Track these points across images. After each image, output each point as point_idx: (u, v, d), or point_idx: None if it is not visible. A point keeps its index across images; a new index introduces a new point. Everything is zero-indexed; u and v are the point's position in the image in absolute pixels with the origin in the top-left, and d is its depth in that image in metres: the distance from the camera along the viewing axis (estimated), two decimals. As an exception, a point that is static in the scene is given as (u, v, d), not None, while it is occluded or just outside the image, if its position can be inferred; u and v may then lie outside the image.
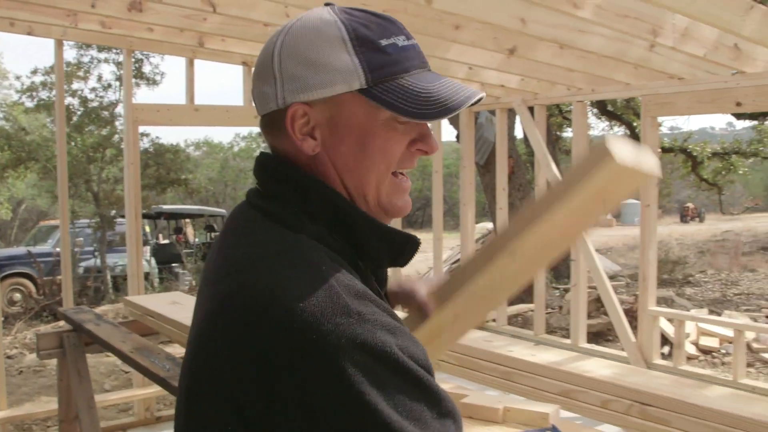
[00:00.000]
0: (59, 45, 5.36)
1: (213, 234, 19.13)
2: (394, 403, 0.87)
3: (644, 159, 1.14)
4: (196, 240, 19.52)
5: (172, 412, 5.81)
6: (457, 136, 7.47)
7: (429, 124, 1.11)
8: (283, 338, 0.88)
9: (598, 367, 2.80)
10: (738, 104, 4.93)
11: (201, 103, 5.77)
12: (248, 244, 1.01)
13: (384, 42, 1.04)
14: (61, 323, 9.07)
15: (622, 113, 11.80)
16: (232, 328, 0.92)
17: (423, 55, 1.09)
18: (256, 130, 32.92)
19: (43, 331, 4.62)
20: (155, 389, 5.73)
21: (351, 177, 1.05)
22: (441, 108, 1.02)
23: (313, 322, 0.87)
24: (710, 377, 5.39)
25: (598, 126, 15.57)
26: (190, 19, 4.61)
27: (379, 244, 1.05)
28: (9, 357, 7.72)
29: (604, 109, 12.56)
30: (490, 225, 14.44)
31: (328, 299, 0.89)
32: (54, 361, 7.24)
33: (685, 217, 34.88)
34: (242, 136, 38.27)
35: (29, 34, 5.11)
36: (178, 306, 4.12)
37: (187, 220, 20.11)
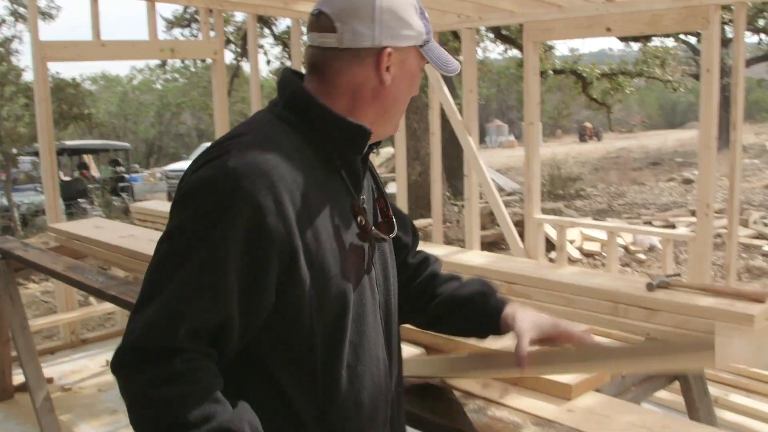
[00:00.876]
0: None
1: (118, 168, 19.02)
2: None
3: (755, 357, 1.37)
4: (101, 175, 19.39)
5: (96, 333, 6.18)
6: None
7: None
8: None
9: (475, 257, 3.33)
10: (608, 29, 5.44)
11: (107, 38, 5.94)
12: None
13: (426, 14, 1.49)
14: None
15: (515, 37, 12.34)
16: None
17: None
18: (154, 62, 32.22)
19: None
20: (79, 313, 6.06)
21: (390, 99, 1.47)
22: (453, 67, 1.50)
23: None
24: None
25: (495, 50, 16.14)
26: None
27: (331, 126, 1.42)
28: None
29: (499, 33, 13.09)
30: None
31: None
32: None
33: (583, 136, 36.15)
34: (139, 69, 37.36)
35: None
36: (102, 229, 4.45)
37: (90, 155, 19.90)
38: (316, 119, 1.42)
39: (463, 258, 3.29)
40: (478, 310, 1.73)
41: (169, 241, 1.32)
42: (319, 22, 1.41)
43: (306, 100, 1.42)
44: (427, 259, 1.81)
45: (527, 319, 1.71)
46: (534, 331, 1.69)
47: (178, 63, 25.31)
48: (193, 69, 28.28)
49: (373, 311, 1.49)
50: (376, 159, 12.78)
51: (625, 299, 2.69)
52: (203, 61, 15.40)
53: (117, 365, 1.29)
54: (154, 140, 35.70)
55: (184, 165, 20.80)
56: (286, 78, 1.46)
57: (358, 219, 1.46)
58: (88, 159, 19.56)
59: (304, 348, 1.38)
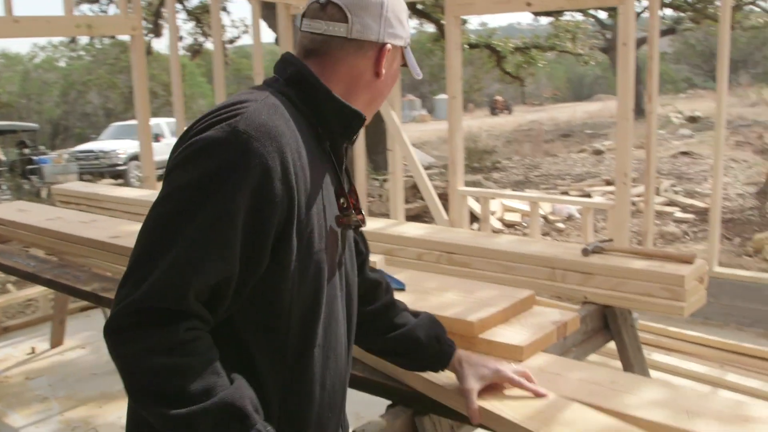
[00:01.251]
0: None
1: (26, 150, 18.37)
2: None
3: None
4: (6, 158, 18.70)
5: (17, 321, 6.02)
6: (276, 39, 7.75)
7: None
8: None
9: (413, 229, 3.40)
10: (528, 4, 5.56)
11: (20, 14, 5.73)
12: None
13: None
14: None
15: (430, 12, 12.42)
16: None
17: None
18: (57, 39, 31.05)
19: None
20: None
21: (377, 91, 1.56)
22: (419, 73, 1.63)
23: None
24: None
25: (410, 23, 16.13)
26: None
27: (332, 110, 1.48)
28: None
29: (414, 7, 13.15)
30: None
31: None
32: None
33: (494, 109, 36.64)
34: (41, 46, 35.94)
35: None
36: (27, 212, 4.33)
37: (-5, 136, 19.18)
38: (320, 99, 1.47)
39: (401, 230, 3.35)
40: (430, 353, 1.82)
41: (169, 201, 1.31)
42: (327, 11, 1.48)
43: (312, 80, 1.47)
44: (381, 285, 1.83)
45: (472, 372, 1.82)
46: (479, 384, 1.81)
47: (84, 40, 24.49)
48: (99, 46, 27.44)
49: (340, 295, 1.54)
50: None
51: (562, 265, 2.81)
52: (113, 37, 14.96)
53: (115, 328, 1.27)
54: (59, 120, 34.47)
55: (94, 146, 20.25)
56: (290, 58, 1.51)
57: (341, 201, 1.51)
58: (-8, 140, 18.85)
59: (281, 326, 1.41)
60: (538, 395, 1.80)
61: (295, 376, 1.44)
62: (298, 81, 1.47)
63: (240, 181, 1.28)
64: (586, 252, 2.81)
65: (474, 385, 1.80)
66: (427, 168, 13.77)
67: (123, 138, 20.38)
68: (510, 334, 2.21)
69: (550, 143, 19.52)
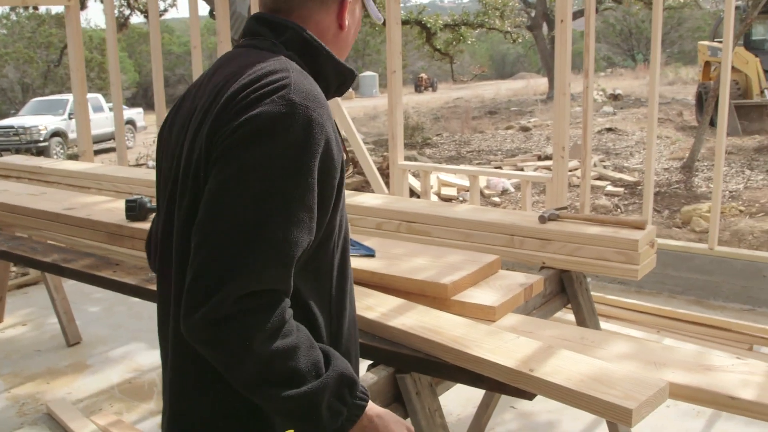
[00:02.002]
0: None
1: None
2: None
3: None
4: None
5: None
6: (211, 12, 7.66)
7: None
8: None
9: (371, 198, 3.47)
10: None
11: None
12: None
13: None
14: None
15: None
16: None
17: None
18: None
19: None
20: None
21: (344, 42, 1.59)
22: (379, 17, 1.69)
23: None
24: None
25: None
26: None
27: (332, 70, 1.52)
28: None
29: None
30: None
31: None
32: None
33: (419, 87, 36.82)
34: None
35: None
36: (9, 193, 4.13)
37: None
38: (321, 61, 1.50)
39: (360, 200, 3.40)
40: None
41: (246, 183, 1.28)
42: None
43: (314, 43, 1.50)
44: None
45: None
46: None
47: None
48: (14, 18, 26.47)
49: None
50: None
51: (520, 231, 2.91)
52: (36, 9, 14.43)
53: (220, 318, 1.23)
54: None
55: (14, 121, 19.60)
56: (279, 20, 1.51)
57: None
58: None
59: (327, 272, 1.47)
60: None
61: (333, 318, 1.50)
62: (300, 43, 1.49)
63: (313, 152, 1.31)
64: (542, 219, 2.92)
65: None
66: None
67: (43, 114, 19.84)
68: (481, 295, 2.30)
69: (477, 120, 19.78)
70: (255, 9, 6.99)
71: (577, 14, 20.23)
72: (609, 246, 2.72)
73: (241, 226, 1.26)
